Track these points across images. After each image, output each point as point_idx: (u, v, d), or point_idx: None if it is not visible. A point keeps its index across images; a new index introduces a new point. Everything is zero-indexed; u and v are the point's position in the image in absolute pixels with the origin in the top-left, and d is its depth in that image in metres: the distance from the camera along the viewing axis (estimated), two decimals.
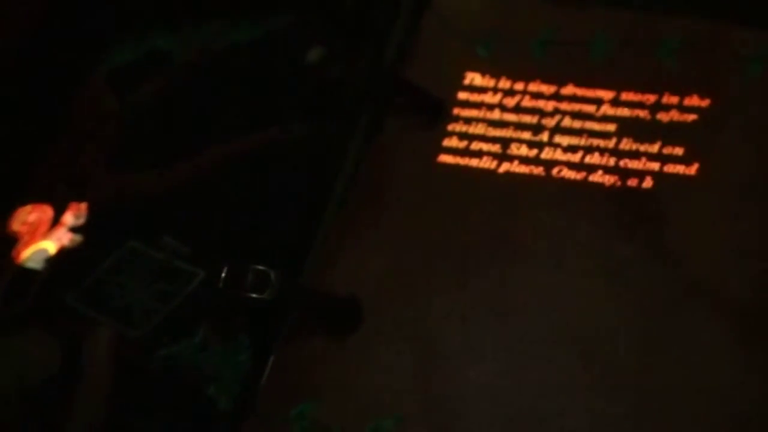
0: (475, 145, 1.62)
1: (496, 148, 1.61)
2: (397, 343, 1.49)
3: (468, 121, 1.65)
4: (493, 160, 1.60)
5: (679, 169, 1.51)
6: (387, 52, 1.73)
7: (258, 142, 1.80)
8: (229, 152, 1.82)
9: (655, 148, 1.53)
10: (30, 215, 1.83)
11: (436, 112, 1.66)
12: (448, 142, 1.64)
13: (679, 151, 1.52)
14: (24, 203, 1.84)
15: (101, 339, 1.59)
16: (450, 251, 1.54)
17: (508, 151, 1.60)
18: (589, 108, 1.60)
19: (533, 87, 1.64)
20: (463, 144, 1.63)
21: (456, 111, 1.67)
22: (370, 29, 1.83)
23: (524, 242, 1.52)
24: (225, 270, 1.51)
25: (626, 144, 1.55)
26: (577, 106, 1.60)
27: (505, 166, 1.59)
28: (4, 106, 1.92)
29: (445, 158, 1.63)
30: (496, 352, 1.45)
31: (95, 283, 1.73)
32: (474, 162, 1.60)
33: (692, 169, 1.50)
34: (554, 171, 1.55)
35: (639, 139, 1.55)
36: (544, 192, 1.55)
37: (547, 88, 1.63)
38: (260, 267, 1.49)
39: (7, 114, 1.92)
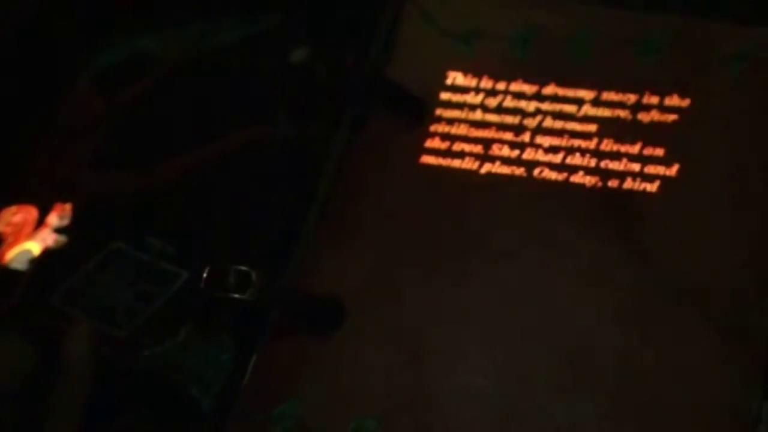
0: (458, 146, 1.62)
1: (478, 149, 1.61)
2: (378, 343, 1.50)
3: (450, 121, 1.65)
4: (475, 160, 1.60)
5: (660, 170, 1.51)
6: (371, 51, 1.73)
7: (241, 141, 1.81)
8: (212, 152, 1.83)
9: (635, 149, 1.53)
10: (14, 216, 1.84)
11: (418, 112, 1.66)
12: (430, 143, 1.64)
13: (659, 152, 1.52)
14: (8, 204, 1.85)
15: (79, 336, 1.59)
16: (432, 252, 1.54)
17: (490, 152, 1.60)
18: (570, 108, 1.60)
19: (515, 87, 1.64)
20: (445, 145, 1.63)
21: (438, 111, 1.67)
22: (355, 29, 1.84)
23: (506, 243, 1.52)
24: (206, 270, 1.51)
25: (607, 145, 1.55)
26: (558, 106, 1.61)
27: (487, 167, 1.59)
28: None
29: (428, 159, 1.63)
30: (478, 352, 1.46)
31: (79, 284, 1.75)
32: (456, 163, 1.61)
33: (673, 170, 1.51)
34: (536, 172, 1.56)
35: (620, 139, 1.55)
36: (525, 192, 1.55)
37: (528, 88, 1.63)
38: (242, 267, 1.49)
39: None
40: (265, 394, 1.50)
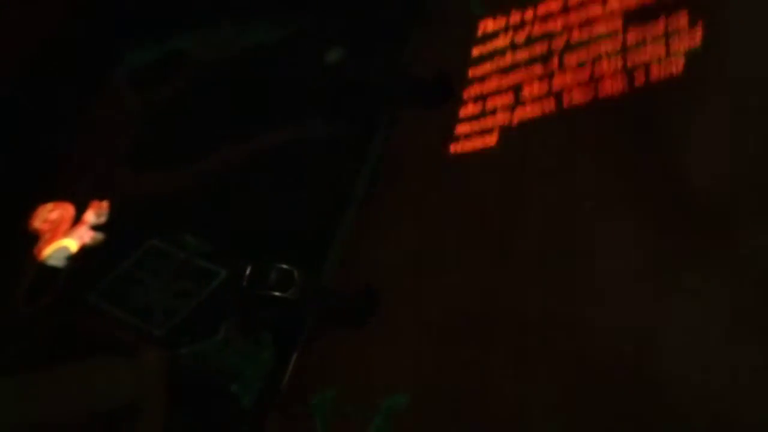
0: (490, 104, 1.65)
1: (509, 98, 1.63)
2: (411, 330, 1.51)
3: (482, 79, 1.67)
4: (507, 112, 1.62)
5: (684, 42, 1.50)
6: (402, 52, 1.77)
7: (278, 140, 1.83)
8: (249, 151, 1.85)
9: (660, 28, 1.53)
10: (51, 213, 1.86)
11: (446, 90, 1.68)
12: (461, 129, 1.66)
13: (683, 20, 1.52)
14: (46, 202, 1.88)
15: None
16: (464, 243, 1.55)
17: (521, 97, 1.62)
18: (596, 9, 1.62)
19: (542, 10, 1.66)
20: (477, 108, 1.66)
21: (471, 72, 1.70)
22: (385, 30, 1.86)
23: (540, 226, 1.52)
24: (249, 269, 1.53)
25: (632, 36, 1.55)
26: (584, 13, 1.63)
27: (518, 113, 1.61)
28: (26, 106, 1.96)
29: (459, 146, 1.64)
30: (507, 341, 1.45)
31: (116, 282, 1.77)
32: (489, 122, 1.63)
33: (696, 38, 1.50)
34: (565, 99, 1.56)
35: (644, 22, 1.54)
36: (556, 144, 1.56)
37: (555, 4, 1.65)
38: (284, 266, 1.52)
39: (29, 114, 1.96)
40: (303, 386, 1.52)
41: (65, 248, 1.81)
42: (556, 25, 1.63)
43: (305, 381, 1.54)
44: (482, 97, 1.66)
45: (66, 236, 1.83)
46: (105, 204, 1.85)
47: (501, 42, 1.69)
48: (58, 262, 1.81)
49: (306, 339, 1.57)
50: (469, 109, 1.67)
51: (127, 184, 1.92)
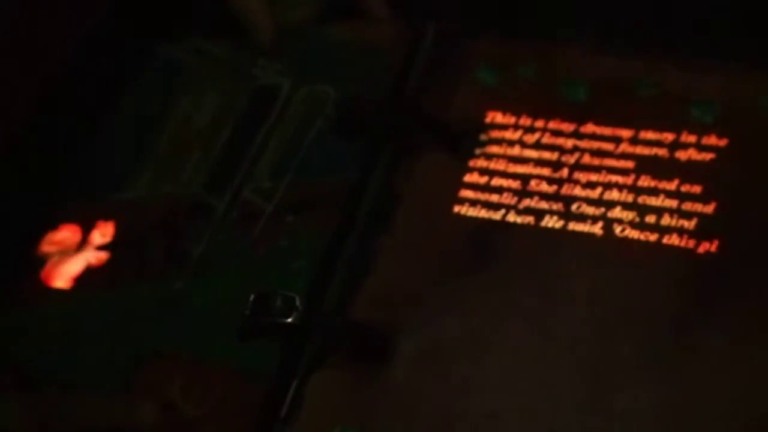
0: (496, 181, 1.72)
1: (516, 184, 1.70)
2: (418, 370, 1.59)
3: (489, 157, 1.75)
4: (513, 196, 1.70)
5: (697, 207, 1.60)
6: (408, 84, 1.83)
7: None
8: None
9: (673, 185, 1.62)
10: (57, 235, 1.95)
11: (464, 146, 1.75)
12: (469, 178, 1.74)
13: (697, 189, 1.61)
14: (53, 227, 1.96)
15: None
16: (476, 278, 1.63)
17: (528, 188, 1.69)
18: (608, 146, 1.70)
19: (553, 125, 1.74)
20: (483, 180, 1.73)
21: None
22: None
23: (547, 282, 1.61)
24: (252, 296, 1.61)
25: (644, 181, 1.65)
26: (596, 144, 1.71)
27: (525, 202, 1.69)
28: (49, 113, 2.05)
29: (466, 194, 1.72)
30: (514, 384, 1.54)
31: None
32: (494, 198, 1.70)
33: (710, 208, 1.60)
34: (573, 207, 1.65)
35: (657, 176, 1.64)
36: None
37: (566, 126, 1.73)
38: (287, 293, 1.60)
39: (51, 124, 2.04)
40: (319, 420, 1.59)
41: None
42: (567, 143, 1.71)
43: (318, 414, 1.60)
44: (489, 172, 1.73)
45: (73, 258, 1.91)
46: (111, 224, 1.93)
47: (510, 134, 1.76)
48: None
49: (309, 367, 1.64)
50: (474, 177, 1.74)
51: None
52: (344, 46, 2.00)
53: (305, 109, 1.94)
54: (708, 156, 1.63)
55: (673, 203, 1.60)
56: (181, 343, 1.77)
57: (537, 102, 1.75)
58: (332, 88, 1.93)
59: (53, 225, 1.96)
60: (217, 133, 2.00)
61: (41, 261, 1.93)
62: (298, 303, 1.59)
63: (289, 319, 1.59)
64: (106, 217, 1.95)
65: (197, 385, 1.71)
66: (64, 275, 1.90)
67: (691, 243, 1.56)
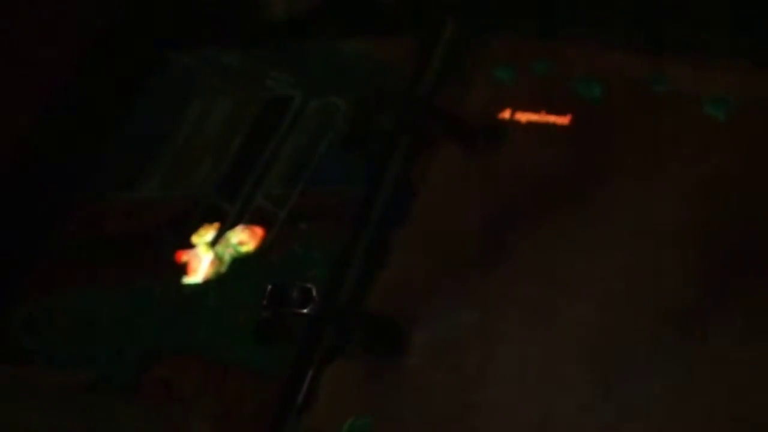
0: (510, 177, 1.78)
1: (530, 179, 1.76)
2: (432, 361, 1.62)
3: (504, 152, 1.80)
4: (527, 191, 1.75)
5: (708, 203, 1.64)
6: (424, 79, 1.88)
7: None
8: None
9: None
10: None
11: (480, 138, 1.80)
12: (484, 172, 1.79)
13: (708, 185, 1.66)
14: None
15: None
16: (486, 269, 1.67)
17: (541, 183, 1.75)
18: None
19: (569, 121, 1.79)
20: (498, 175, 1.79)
21: None
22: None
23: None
24: (269, 287, 1.65)
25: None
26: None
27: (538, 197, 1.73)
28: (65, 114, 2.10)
29: (482, 187, 1.78)
30: (524, 374, 1.58)
31: None
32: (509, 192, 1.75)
33: (721, 204, 1.63)
34: (584, 204, 1.70)
35: None
36: None
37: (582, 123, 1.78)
38: (304, 284, 1.64)
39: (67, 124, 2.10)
40: (334, 410, 1.63)
41: None
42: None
43: (336, 404, 1.64)
44: (504, 168, 1.78)
45: None
46: None
47: (525, 130, 1.81)
48: None
49: (322, 357, 1.68)
50: (490, 172, 1.78)
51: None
52: (356, 60, 2.06)
53: (316, 121, 2.00)
54: (721, 151, 1.68)
55: (683, 199, 1.65)
56: (194, 344, 1.81)
57: (553, 99, 1.80)
58: (343, 101, 1.99)
59: (67, 221, 2.01)
60: (229, 140, 2.05)
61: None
62: (314, 294, 1.63)
63: (306, 310, 1.63)
64: (121, 215, 2.00)
65: (210, 385, 1.74)
66: None
67: (699, 238, 1.60)
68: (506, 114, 1.81)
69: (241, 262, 1.87)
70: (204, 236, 1.92)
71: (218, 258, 1.88)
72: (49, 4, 2.15)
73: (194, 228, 1.94)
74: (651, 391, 1.49)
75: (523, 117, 1.80)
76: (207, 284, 1.87)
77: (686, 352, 1.51)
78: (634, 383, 1.51)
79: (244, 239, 1.87)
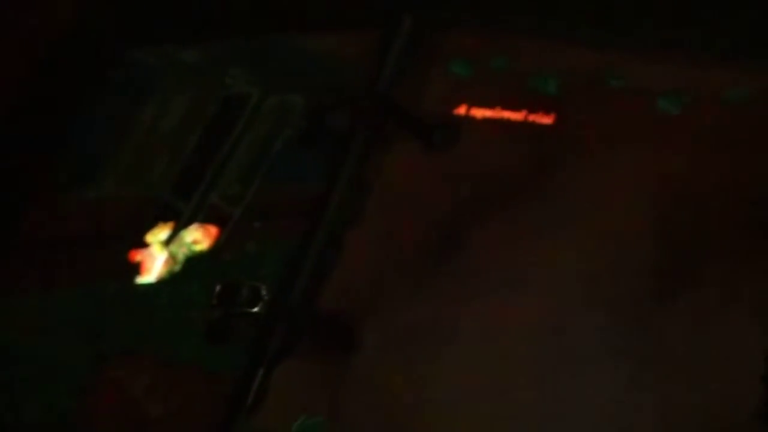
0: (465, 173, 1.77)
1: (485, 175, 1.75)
2: (384, 360, 1.61)
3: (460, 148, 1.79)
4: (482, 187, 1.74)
5: (658, 196, 1.65)
6: (381, 76, 1.87)
7: None
8: None
9: None
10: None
11: (437, 134, 1.79)
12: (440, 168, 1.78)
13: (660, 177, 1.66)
14: None
15: None
16: (441, 268, 1.66)
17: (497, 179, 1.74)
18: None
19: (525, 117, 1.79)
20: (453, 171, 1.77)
21: None
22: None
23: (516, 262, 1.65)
24: (219, 286, 1.63)
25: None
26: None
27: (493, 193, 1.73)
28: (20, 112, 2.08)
29: (436, 183, 1.76)
30: (475, 371, 1.57)
31: None
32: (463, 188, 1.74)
33: (670, 196, 1.64)
34: (540, 200, 1.70)
35: None
36: None
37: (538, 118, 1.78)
38: (253, 282, 1.62)
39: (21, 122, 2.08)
40: (285, 409, 1.61)
41: None
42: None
43: (287, 403, 1.62)
44: (459, 164, 1.78)
45: None
46: None
47: (481, 126, 1.80)
48: None
49: (273, 356, 1.66)
50: (445, 168, 1.77)
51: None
52: (314, 57, 2.05)
53: (274, 118, 1.98)
54: (674, 146, 1.67)
55: (637, 193, 1.65)
56: (147, 343, 1.79)
57: (509, 95, 1.79)
58: (301, 98, 1.97)
59: (22, 222, 1.99)
60: (185, 137, 2.03)
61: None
62: (264, 293, 1.62)
63: (255, 309, 1.62)
64: (75, 214, 1.98)
65: (162, 385, 1.72)
66: None
67: (651, 231, 1.60)
68: (462, 109, 1.79)
69: (194, 261, 1.84)
70: (158, 235, 1.89)
71: (172, 257, 1.86)
72: (7, 3, 2.12)
73: (149, 227, 1.91)
74: (602, 387, 1.48)
75: (480, 113, 1.78)
76: (160, 284, 1.84)
77: (638, 347, 1.50)
78: (585, 379, 1.51)
79: (198, 238, 1.85)
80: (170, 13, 2.19)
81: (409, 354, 1.61)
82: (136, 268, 1.88)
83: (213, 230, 1.86)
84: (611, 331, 1.53)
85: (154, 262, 1.87)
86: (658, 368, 1.49)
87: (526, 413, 1.51)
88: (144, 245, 1.90)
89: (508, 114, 1.77)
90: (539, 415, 1.50)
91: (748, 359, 1.45)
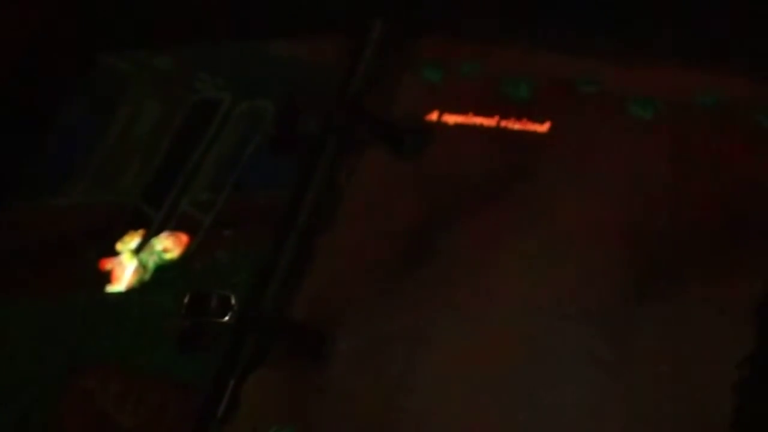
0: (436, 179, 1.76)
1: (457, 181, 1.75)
2: (355, 369, 1.61)
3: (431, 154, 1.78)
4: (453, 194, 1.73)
5: (634, 201, 1.63)
6: (351, 81, 1.86)
7: None
8: None
9: None
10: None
11: (408, 141, 1.78)
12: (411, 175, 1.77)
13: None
14: None
15: None
16: (413, 275, 1.65)
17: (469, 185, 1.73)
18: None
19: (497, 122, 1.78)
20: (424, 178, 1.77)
21: None
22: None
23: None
24: (188, 296, 1.62)
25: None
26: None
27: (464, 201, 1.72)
28: None
29: (407, 191, 1.76)
30: (448, 380, 1.56)
31: None
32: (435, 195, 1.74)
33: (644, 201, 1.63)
34: (511, 205, 1.69)
35: None
36: None
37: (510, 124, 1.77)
38: (223, 291, 1.61)
39: None
40: (256, 419, 1.60)
41: None
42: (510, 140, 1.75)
43: (260, 412, 1.61)
44: (430, 170, 1.76)
45: None
46: None
47: (453, 132, 1.79)
48: None
49: (246, 367, 1.65)
50: (416, 175, 1.76)
51: None
52: (285, 62, 2.04)
53: (245, 124, 1.97)
54: (646, 150, 1.67)
55: (610, 197, 1.64)
56: (117, 353, 1.78)
57: (480, 100, 1.78)
58: (272, 104, 1.96)
59: None
60: (156, 144, 2.02)
61: None
62: (233, 302, 1.61)
63: (225, 318, 1.60)
64: (44, 222, 1.96)
65: (132, 395, 1.71)
66: None
67: (624, 236, 1.59)
68: (434, 115, 1.79)
69: (164, 269, 1.83)
70: (128, 243, 1.88)
71: (142, 266, 1.84)
72: None
73: (119, 235, 1.89)
74: (575, 396, 1.47)
75: (451, 118, 1.77)
76: (130, 293, 1.83)
77: (610, 356, 1.50)
78: (558, 386, 1.50)
79: (168, 246, 1.84)
80: (141, 19, 2.18)
81: (380, 363, 1.60)
82: (106, 277, 1.86)
83: (184, 238, 1.85)
84: (585, 337, 1.53)
85: (125, 270, 1.86)
86: (631, 376, 1.48)
87: (499, 421, 1.49)
88: (114, 253, 1.88)
89: (480, 119, 1.76)
90: (513, 423, 1.49)
91: (721, 364, 1.44)
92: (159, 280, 1.84)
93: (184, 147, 1.99)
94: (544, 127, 1.73)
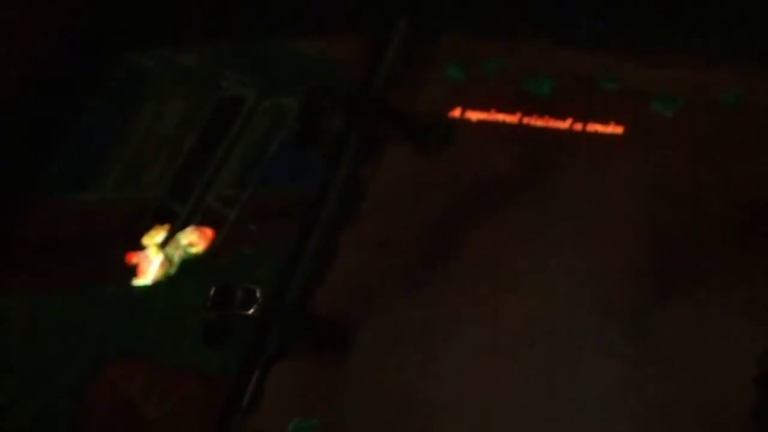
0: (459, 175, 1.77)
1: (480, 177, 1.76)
2: (377, 360, 1.62)
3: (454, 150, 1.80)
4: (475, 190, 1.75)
5: (655, 199, 1.65)
6: (375, 78, 1.88)
7: None
8: None
9: None
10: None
11: (431, 137, 1.80)
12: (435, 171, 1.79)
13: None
14: None
15: None
16: (436, 269, 1.67)
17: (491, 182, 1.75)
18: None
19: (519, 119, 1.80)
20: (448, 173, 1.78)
21: None
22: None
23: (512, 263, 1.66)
24: (213, 289, 1.64)
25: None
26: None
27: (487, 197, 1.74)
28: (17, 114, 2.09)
29: (431, 186, 1.77)
30: (469, 372, 1.58)
31: None
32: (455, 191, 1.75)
33: (667, 200, 1.65)
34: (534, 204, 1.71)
35: None
36: None
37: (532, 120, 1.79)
38: (247, 285, 1.63)
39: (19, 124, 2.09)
40: (280, 410, 1.62)
41: None
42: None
43: (282, 404, 1.63)
44: (454, 166, 1.78)
45: None
46: None
47: (476, 128, 1.81)
48: None
49: (268, 358, 1.68)
50: (440, 171, 1.78)
51: None
52: (309, 60, 2.06)
53: (269, 120, 2.00)
54: (667, 148, 1.68)
55: (630, 196, 1.65)
56: (143, 346, 1.80)
57: (503, 97, 1.80)
58: (296, 101, 1.98)
59: (19, 223, 2.00)
60: (181, 140, 2.05)
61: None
62: (258, 295, 1.62)
63: (250, 311, 1.62)
64: (72, 217, 1.99)
65: (157, 387, 1.73)
66: None
67: (645, 233, 1.61)
68: (457, 112, 1.80)
69: (190, 263, 1.86)
70: (154, 238, 1.90)
71: (168, 260, 1.86)
72: (7, 4, 2.13)
73: (145, 230, 1.92)
74: (595, 389, 1.49)
75: (474, 115, 1.79)
76: (156, 286, 1.85)
77: (631, 348, 1.51)
78: (579, 380, 1.51)
79: (194, 240, 1.87)
80: (167, 17, 2.20)
81: (403, 355, 1.62)
82: (132, 271, 1.88)
83: (209, 232, 1.87)
84: (605, 333, 1.54)
85: (150, 264, 1.88)
86: (652, 369, 1.49)
87: (521, 414, 1.51)
88: (140, 248, 1.90)
89: (502, 116, 1.78)
90: (533, 415, 1.51)
91: (741, 361, 1.46)
92: (184, 273, 1.86)
93: (209, 143, 2.01)
94: (566, 124, 1.74)
